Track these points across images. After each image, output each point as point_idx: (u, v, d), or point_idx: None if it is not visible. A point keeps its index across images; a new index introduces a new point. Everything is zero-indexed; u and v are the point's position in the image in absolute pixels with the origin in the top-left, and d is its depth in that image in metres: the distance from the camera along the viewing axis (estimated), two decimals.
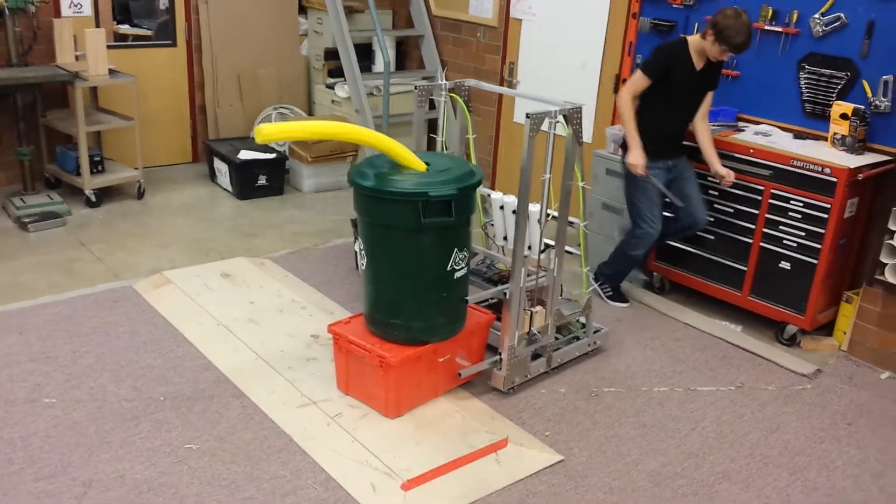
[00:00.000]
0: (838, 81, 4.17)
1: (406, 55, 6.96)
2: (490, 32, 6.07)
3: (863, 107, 4.02)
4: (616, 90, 5.26)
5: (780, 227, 4.06)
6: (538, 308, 3.60)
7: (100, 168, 5.58)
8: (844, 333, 4.14)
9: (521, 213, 3.39)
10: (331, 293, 4.44)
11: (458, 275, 3.26)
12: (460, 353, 3.49)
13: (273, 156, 6.07)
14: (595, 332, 3.94)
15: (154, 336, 3.85)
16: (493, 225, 3.88)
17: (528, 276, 3.53)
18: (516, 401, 3.50)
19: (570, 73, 5.55)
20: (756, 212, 4.14)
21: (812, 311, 4.03)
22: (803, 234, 3.98)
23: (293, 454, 3.08)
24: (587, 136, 5.47)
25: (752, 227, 4.17)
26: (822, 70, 4.22)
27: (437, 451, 3.13)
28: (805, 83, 4.31)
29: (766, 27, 4.37)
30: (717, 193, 4.29)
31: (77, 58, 5.58)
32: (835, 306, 4.22)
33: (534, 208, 3.52)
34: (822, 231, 3.92)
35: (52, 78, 5.32)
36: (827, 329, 4.24)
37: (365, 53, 6.58)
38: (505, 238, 3.81)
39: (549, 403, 3.51)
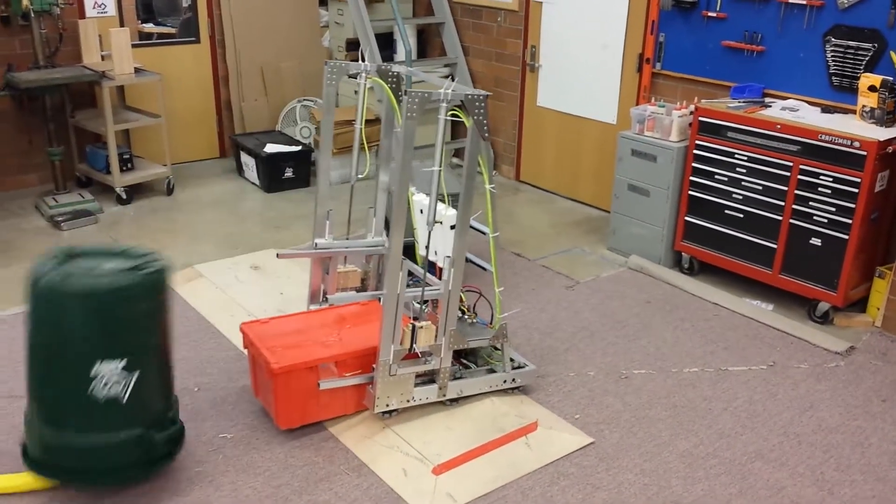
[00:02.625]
0: (865, 53, 4.10)
1: (427, 43, 6.95)
2: (511, 16, 6.04)
3: (891, 78, 3.94)
4: (639, 69, 5.22)
5: (810, 203, 4.01)
6: (425, 323, 3.14)
7: (129, 166, 5.66)
8: (878, 309, 4.09)
9: (398, 205, 2.99)
10: None
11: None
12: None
13: (299, 148, 6.11)
14: (516, 368, 3.42)
15: (187, 328, 3.91)
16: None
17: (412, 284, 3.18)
18: (545, 384, 3.51)
19: (592, 54, 5.51)
20: (785, 188, 4.09)
21: (844, 287, 3.98)
22: (834, 209, 3.93)
23: (325, 441, 3.12)
24: (611, 117, 5.45)
25: (782, 203, 4.12)
26: (849, 42, 4.15)
27: (467, 435, 3.15)
28: (831, 56, 4.24)
29: (791, 1, 4.30)
30: (744, 171, 4.25)
31: (103, 57, 5.65)
32: (867, 282, 4.16)
33: (442, 208, 3.20)
34: (853, 206, 3.86)
35: (78, 78, 5.40)
36: (860, 305, 4.19)
37: (386, 42, 6.58)
38: (426, 247, 3.26)
39: (579, 386, 3.51)
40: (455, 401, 3.32)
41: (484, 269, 3.37)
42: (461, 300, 3.32)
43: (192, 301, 4.19)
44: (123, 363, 2.60)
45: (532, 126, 6.13)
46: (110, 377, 2.58)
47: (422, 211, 3.29)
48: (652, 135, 4.68)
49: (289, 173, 6.04)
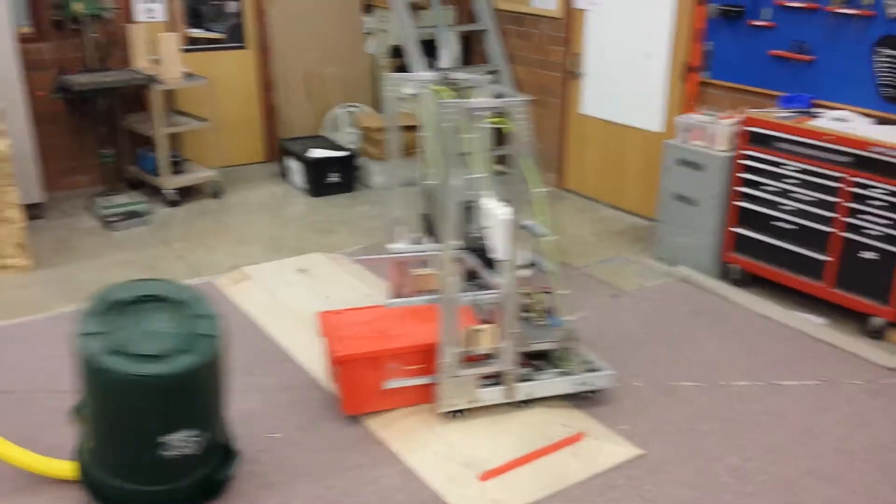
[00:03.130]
0: None
1: (471, 50, 6.97)
2: (553, 24, 6.04)
3: None
4: (685, 78, 5.18)
5: (863, 216, 3.95)
6: (485, 326, 3.20)
7: (179, 168, 5.76)
8: None
9: (448, 211, 3.07)
10: None
11: None
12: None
13: (344, 153, 6.17)
14: (590, 371, 3.38)
15: (235, 330, 3.93)
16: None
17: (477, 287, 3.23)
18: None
19: (636, 62, 5.48)
20: (836, 200, 4.03)
21: None
22: (887, 222, 3.86)
23: (372, 445, 3.14)
24: (657, 125, 5.42)
25: (833, 215, 4.06)
26: None
27: (513, 443, 3.15)
28: (880, 66, 4.17)
29: (839, 10, 4.25)
30: (793, 181, 4.20)
31: (152, 62, 5.76)
32: None
33: (502, 211, 3.19)
34: None
35: (129, 82, 5.51)
36: None
37: (429, 50, 6.61)
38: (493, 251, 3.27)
39: (625, 397, 3.49)
40: (527, 403, 3.33)
41: (544, 271, 3.37)
42: (536, 301, 3.34)
43: (239, 303, 4.25)
44: (194, 431, 2.64)
45: (575, 134, 6.11)
46: (180, 442, 2.61)
47: (487, 215, 3.31)
48: (698, 144, 4.64)
49: (333, 178, 6.10)
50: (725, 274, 4.65)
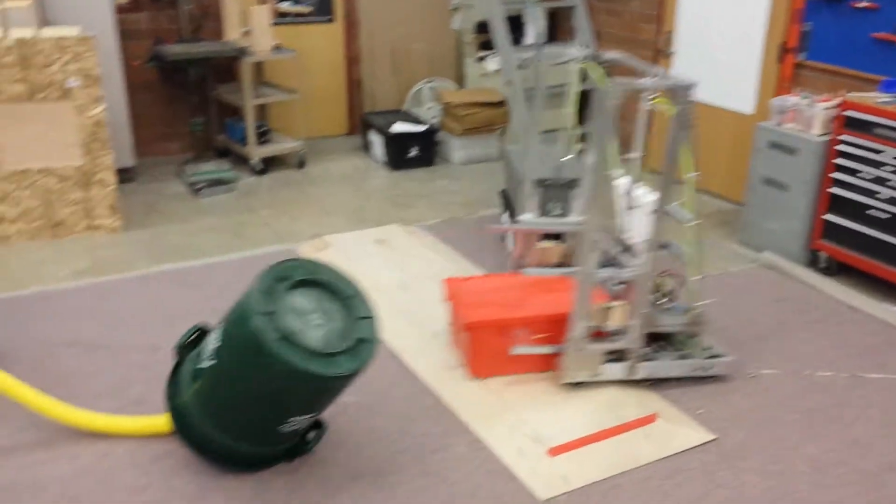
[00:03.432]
0: None
1: (558, 27, 6.88)
2: (645, 1, 5.89)
3: None
4: (781, 59, 4.99)
5: None
6: (618, 303, 3.28)
7: (265, 139, 5.89)
8: None
9: (593, 187, 3.11)
10: (479, 262, 4.50)
11: None
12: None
13: (425, 128, 6.19)
14: (712, 357, 3.39)
15: None
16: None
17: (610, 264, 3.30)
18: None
19: (730, 41, 5.31)
20: None
21: None
22: None
23: (442, 413, 3.17)
24: (749, 107, 5.24)
25: None
26: None
27: (585, 420, 3.13)
28: None
29: None
30: (892, 169, 4.00)
31: (244, 34, 5.88)
32: None
33: (643, 193, 3.27)
34: None
35: (220, 53, 5.65)
36: None
37: (516, 26, 6.55)
38: (625, 230, 3.46)
39: (705, 382, 3.41)
40: (646, 381, 3.34)
41: (680, 255, 3.36)
42: (661, 284, 3.36)
43: None
44: (316, 413, 2.73)
45: (662, 114, 5.96)
46: (300, 421, 2.69)
47: (623, 194, 3.36)
48: (792, 127, 4.48)
49: (414, 152, 6.13)
50: (813, 262, 4.48)
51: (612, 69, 3.63)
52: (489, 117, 6.29)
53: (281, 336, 2.42)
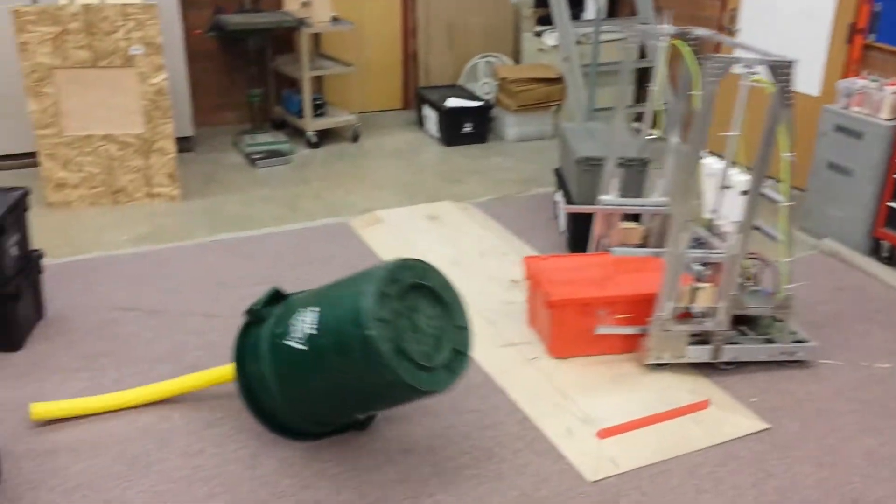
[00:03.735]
0: None
1: (618, 2, 6.75)
2: None
3: None
4: (850, 40, 4.83)
5: None
6: (705, 285, 3.25)
7: (321, 111, 5.92)
8: None
9: (688, 167, 3.12)
10: (531, 240, 4.49)
11: None
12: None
13: (479, 104, 6.15)
14: (797, 342, 3.37)
15: None
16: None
17: (700, 245, 3.28)
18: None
19: (796, 21, 5.15)
20: None
21: None
22: None
23: (491, 391, 3.17)
24: (815, 89, 5.10)
25: None
26: None
27: (635, 404, 3.10)
28: None
29: None
30: None
31: (303, 5, 5.90)
32: None
33: (738, 175, 3.24)
34: None
35: (280, 23, 5.68)
36: None
37: (575, 1, 6.45)
38: (713, 211, 3.41)
39: (759, 370, 3.36)
40: (730, 365, 3.31)
41: (773, 238, 3.33)
42: (747, 266, 3.35)
43: (372, 244, 4.36)
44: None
45: (723, 93, 5.81)
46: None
47: (711, 174, 3.32)
48: (860, 110, 4.34)
49: (467, 128, 6.11)
50: (875, 250, 4.36)
51: (700, 47, 3.57)
52: (545, 94, 6.23)
53: (395, 348, 2.37)
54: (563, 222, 4.51)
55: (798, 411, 3.11)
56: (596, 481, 2.72)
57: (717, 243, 3.30)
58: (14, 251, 3.27)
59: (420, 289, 2.52)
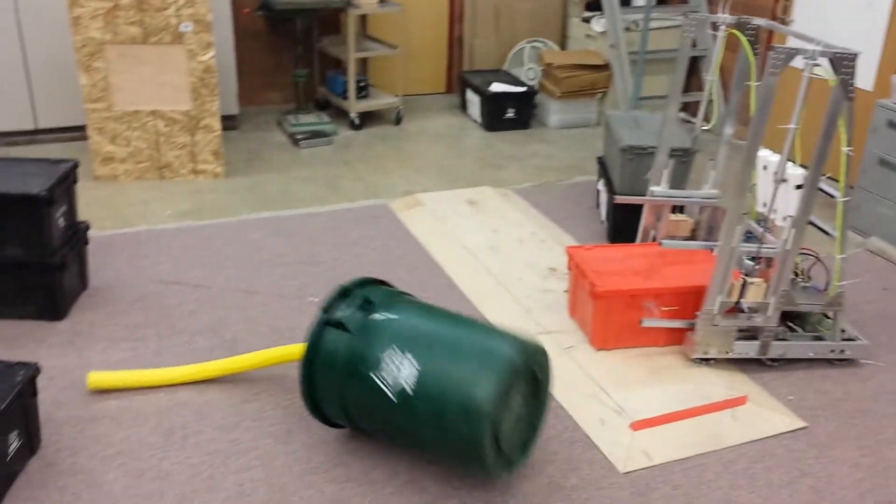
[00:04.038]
0: None
1: None
2: None
3: None
4: None
5: None
6: (756, 280, 3.19)
7: (364, 93, 5.94)
8: None
9: (746, 160, 3.05)
10: (570, 229, 4.46)
11: None
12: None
13: (523, 89, 6.12)
14: (847, 340, 3.32)
15: (405, 252, 4.10)
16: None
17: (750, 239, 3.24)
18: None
19: (854, 11, 5.02)
20: None
21: None
22: None
23: None
24: (868, 83, 4.97)
25: None
26: None
27: (670, 397, 3.08)
28: None
29: None
30: None
31: None
32: None
33: (793, 169, 3.18)
34: None
35: (328, 4, 5.69)
36: None
37: None
38: (764, 204, 3.31)
39: (797, 367, 3.31)
40: (776, 361, 3.28)
41: (827, 233, 3.29)
42: (796, 262, 3.30)
43: (411, 227, 4.38)
44: None
45: (781, 90, 5.70)
46: None
47: (765, 167, 3.27)
48: None
49: (510, 114, 6.08)
50: None
51: (757, 37, 3.51)
52: (590, 81, 6.17)
53: (495, 443, 2.30)
54: (604, 211, 4.47)
55: (836, 411, 3.06)
56: (627, 472, 2.71)
57: (769, 238, 3.25)
58: (61, 222, 3.34)
59: (531, 376, 2.44)
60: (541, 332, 3.46)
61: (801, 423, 2.98)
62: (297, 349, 2.86)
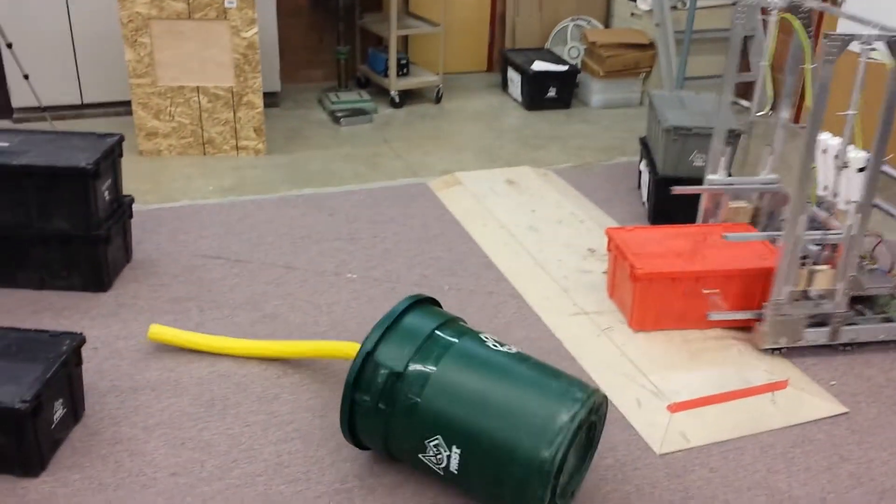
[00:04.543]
0: None
1: None
2: None
3: None
4: None
5: None
6: (823, 267, 3.16)
7: (405, 71, 5.93)
8: None
9: (807, 148, 2.98)
10: (610, 210, 4.42)
11: None
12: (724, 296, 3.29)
13: (565, 68, 6.05)
14: None
15: (443, 231, 4.10)
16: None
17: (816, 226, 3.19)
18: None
19: None
20: None
21: None
22: None
23: (562, 358, 3.16)
24: None
25: None
26: None
27: (708, 380, 3.05)
28: None
29: None
30: None
31: None
32: None
33: (854, 152, 3.10)
34: None
35: None
36: None
37: None
38: (825, 188, 3.23)
39: (839, 353, 3.25)
40: (848, 346, 3.25)
41: (892, 215, 3.25)
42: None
43: (449, 206, 4.37)
44: None
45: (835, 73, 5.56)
46: None
47: (824, 151, 3.21)
48: None
49: (552, 93, 6.02)
50: None
51: (810, 20, 3.42)
52: (634, 60, 6.08)
53: (554, 493, 2.17)
54: (645, 193, 4.42)
55: (878, 397, 3.00)
56: (664, 454, 2.69)
57: (832, 223, 3.20)
58: (107, 195, 3.40)
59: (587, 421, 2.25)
60: (578, 313, 3.45)
61: (842, 409, 2.93)
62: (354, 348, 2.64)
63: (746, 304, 3.30)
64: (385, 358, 2.34)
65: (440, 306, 2.66)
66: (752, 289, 3.27)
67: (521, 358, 2.41)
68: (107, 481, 2.47)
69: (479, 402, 2.24)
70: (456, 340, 2.39)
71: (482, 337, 2.46)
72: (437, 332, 2.40)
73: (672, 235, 3.54)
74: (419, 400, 2.27)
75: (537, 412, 2.19)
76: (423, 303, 2.56)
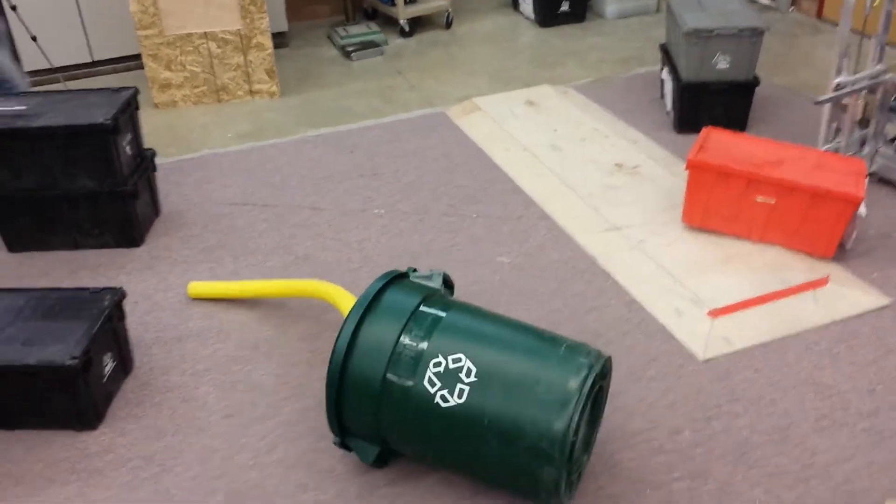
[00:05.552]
0: None
1: None
2: None
3: None
4: None
5: None
6: None
7: None
8: None
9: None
10: (634, 122, 4.34)
11: None
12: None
13: None
14: None
15: (465, 159, 4.06)
16: None
17: None
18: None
19: None
20: None
21: None
22: None
23: (596, 275, 3.15)
24: None
25: None
26: None
27: (746, 283, 3.03)
28: None
29: None
30: None
31: None
32: None
33: None
34: None
35: None
36: None
37: None
38: None
39: (879, 246, 3.20)
40: None
41: None
42: None
43: (469, 133, 4.31)
44: None
45: None
46: None
47: None
48: None
49: (564, 7, 5.86)
50: None
51: None
52: None
53: (566, 483, 2.07)
54: (669, 101, 4.33)
55: None
56: (707, 360, 2.70)
57: None
58: (128, 150, 3.40)
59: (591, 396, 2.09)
60: (609, 229, 3.42)
61: (886, 301, 2.91)
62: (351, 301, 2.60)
63: (803, 228, 3.12)
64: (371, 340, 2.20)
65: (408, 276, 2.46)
66: (814, 213, 3.05)
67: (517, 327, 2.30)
68: (164, 427, 2.53)
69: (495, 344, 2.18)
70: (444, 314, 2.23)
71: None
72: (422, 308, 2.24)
73: (765, 147, 3.31)
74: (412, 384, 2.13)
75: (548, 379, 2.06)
76: (399, 278, 2.37)
